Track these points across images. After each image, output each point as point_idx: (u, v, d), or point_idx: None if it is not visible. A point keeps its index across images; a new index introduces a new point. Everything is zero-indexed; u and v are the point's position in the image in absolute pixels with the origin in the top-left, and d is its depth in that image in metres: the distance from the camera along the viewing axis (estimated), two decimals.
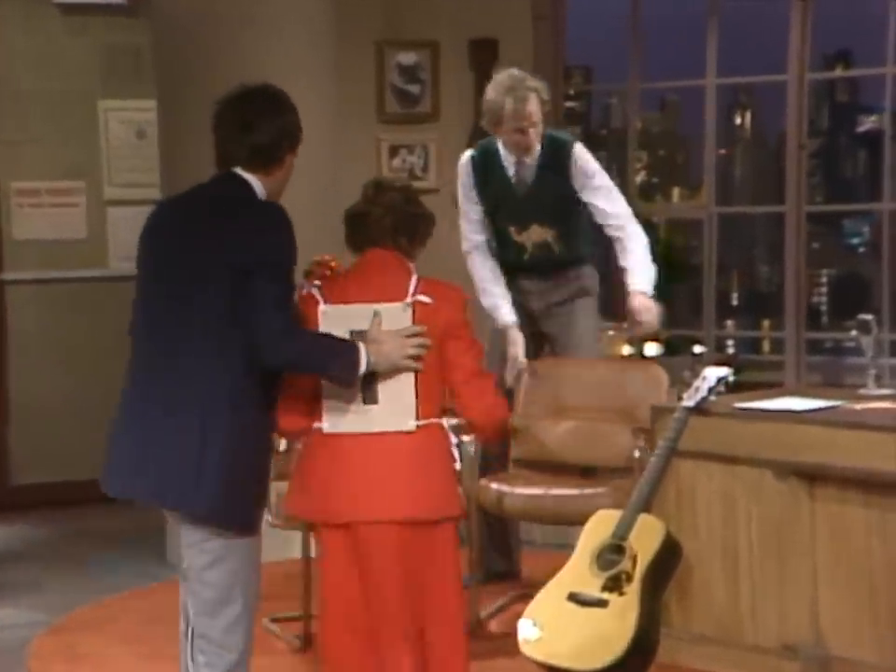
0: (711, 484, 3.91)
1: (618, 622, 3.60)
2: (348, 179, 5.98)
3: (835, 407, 3.95)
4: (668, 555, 3.77)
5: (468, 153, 4.87)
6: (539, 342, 4.91)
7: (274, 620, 4.46)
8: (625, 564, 3.68)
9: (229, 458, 3.09)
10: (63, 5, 6.71)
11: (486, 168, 4.79)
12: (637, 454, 4.24)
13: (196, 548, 3.18)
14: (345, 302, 3.32)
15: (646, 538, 3.74)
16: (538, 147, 4.69)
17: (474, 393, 3.35)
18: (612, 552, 3.73)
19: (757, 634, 3.87)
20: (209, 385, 3.10)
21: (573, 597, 3.71)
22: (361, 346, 3.23)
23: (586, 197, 4.70)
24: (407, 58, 6.39)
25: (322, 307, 3.32)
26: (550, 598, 3.75)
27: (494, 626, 4.51)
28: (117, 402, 3.27)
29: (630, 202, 5.71)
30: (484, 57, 6.34)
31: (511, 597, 4.64)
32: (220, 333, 3.11)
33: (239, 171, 3.20)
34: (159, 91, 5.73)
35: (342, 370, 3.22)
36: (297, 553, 4.46)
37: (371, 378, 3.24)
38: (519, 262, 4.82)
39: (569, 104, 8.28)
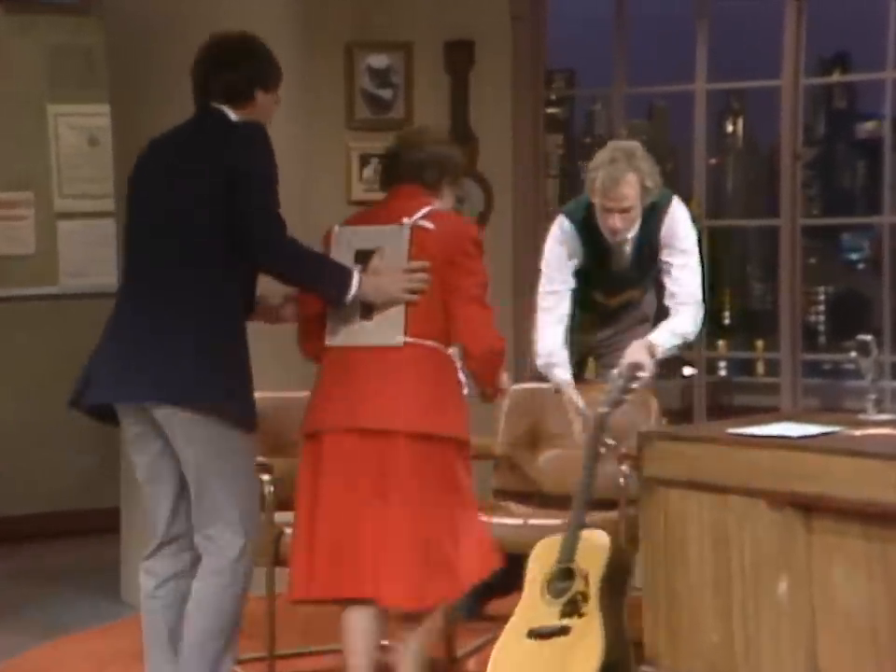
0: (702, 515, 3.92)
1: (584, 642, 3.74)
2: (316, 190, 6.02)
3: (834, 433, 3.96)
4: (619, 564, 3.95)
5: (564, 221, 4.75)
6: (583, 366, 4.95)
7: (239, 662, 4.43)
8: (578, 585, 3.81)
9: (225, 355, 3.59)
10: (7, 2, 6.67)
11: (583, 237, 4.73)
12: (622, 482, 4.25)
13: (199, 445, 3.60)
14: (356, 225, 3.87)
15: (593, 553, 3.89)
16: (630, 232, 4.66)
17: (467, 318, 3.72)
18: (562, 577, 3.86)
19: None
20: (199, 292, 3.59)
21: (533, 634, 3.82)
22: (356, 273, 3.72)
23: (665, 256, 4.69)
24: (378, 61, 6.40)
25: (335, 229, 3.87)
26: (510, 643, 3.88)
27: (472, 666, 4.51)
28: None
29: None
30: (460, 59, 6.37)
31: (489, 638, 4.64)
32: (207, 243, 3.58)
33: (216, 104, 3.71)
34: (112, 95, 5.73)
35: (330, 287, 3.71)
36: (258, 589, 4.45)
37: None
38: (593, 315, 4.89)
39: (551, 110, 8.32)
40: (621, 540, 4.07)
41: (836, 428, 4.01)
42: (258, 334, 3.87)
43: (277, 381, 4.98)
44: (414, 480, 3.70)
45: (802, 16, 6.17)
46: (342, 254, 3.84)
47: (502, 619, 4.20)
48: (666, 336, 4.62)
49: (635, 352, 4.49)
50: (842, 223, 11.89)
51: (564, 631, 3.79)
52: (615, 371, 4.24)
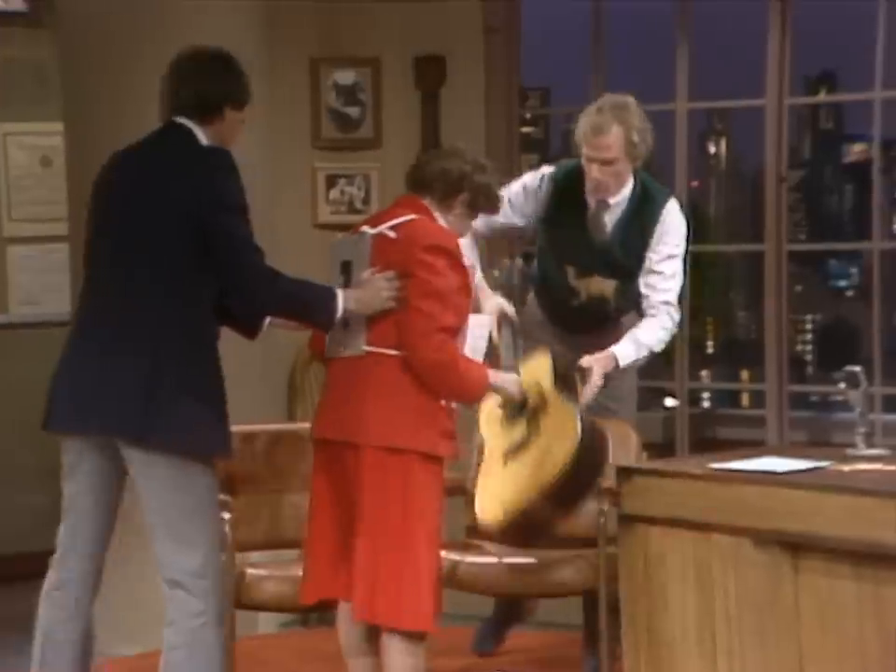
0: (684, 554, 3.93)
1: (557, 431, 4.01)
2: (281, 213, 6.02)
3: (822, 468, 3.98)
4: (562, 366, 4.21)
5: (548, 170, 4.83)
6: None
7: None
8: (534, 397, 4.08)
9: (185, 387, 3.67)
10: None
11: (563, 198, 4.75)
12: (601, 519, 4.26)
13: (156, 481, 3.67)
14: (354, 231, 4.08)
15: (536, 367, 4.16)
16: (621, 193, 4.69)
17: (404, 326, 3.85)
18: (516, 406, 4.10)
19: None
20: (161, 324, 3.67)
21: (508, 455, 4.11)
22: (339, 293, 3.85)
23: (651, 255, 4.70)
24: (345, 77, 6.42)
25: (338, 237, 4.19)
26: (492, 478, 4.18)
27: None
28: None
29: None
30: (431, 75, 6.38)
31: None
32: (173, 275, 3.68)
33: (181, 120, 3.80)
34: (65, 112, 5.72)
35: (320, 315, 3.84)
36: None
37: None
38: (565, 306, 4.85)
39: (525, 129, 8.34)
40: (561, 364, 4.26)
41: (825, 463, 4.03)
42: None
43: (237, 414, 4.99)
44: (369, 494, 3.83)
45: (787, 33, 6.22)
46: (334, 265, 4.07)
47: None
48: (630, 348, 4.65)
49: (591, 360, 4.54)
50: (829, 249, 11.94)
51: (535, 431, 4.06)
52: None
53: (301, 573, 4.02)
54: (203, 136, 3.81)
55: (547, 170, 4.86)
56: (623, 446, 4.57)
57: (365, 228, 4.04)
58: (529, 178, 4.86)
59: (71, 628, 3.86)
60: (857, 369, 4.24)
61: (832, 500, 3.71)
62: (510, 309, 4.33)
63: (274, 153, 5.92)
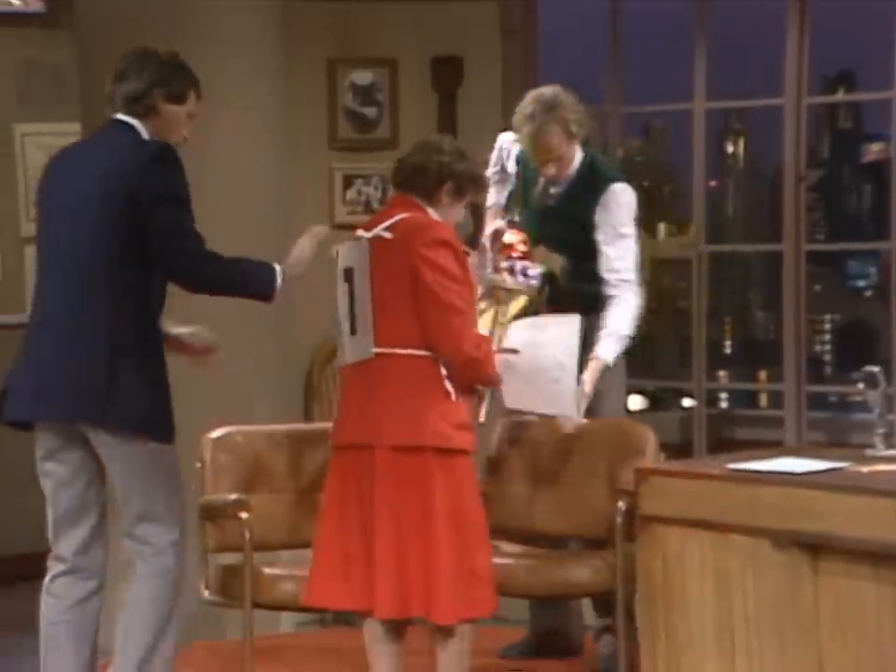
0: (703, 555, 3.91)
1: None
2: (298, 213, 6.01)
3: (840, 469, 3.96)
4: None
5: (508, 137, 4.96)
6: None
7: None
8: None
9: (141, 373, 3.80)
10: None
11: (522, 164, 4.88)
12: (618, 519, 4.25)
13: (119, 462, 3.80)
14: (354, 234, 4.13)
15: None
16: (568, 172, 4.77)
17: (438, 327, 3.91)
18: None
19: None
20: (114, 312, 3.79)
21: None
22: (276, 265, 3.91)
23: (600, 236, 4.74)
24: (362, 77, 6.42)
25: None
26: None
27: None
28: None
29: None
30: (448, 76, 6.38)
31: None
32: (121, 265, 3.78)
33: (122, 116, 3.91)
34: (83, 113, 5.72)
35: (263, 288, 3.91)
36: (234, 632, 4.44)
37: (352, 305, 4.02)
38: None
39: None
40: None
41: (843, 464, 4.02)
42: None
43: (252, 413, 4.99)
44: (392, 493, 3.87)
45: (805, 33, 6.21)
46: (338, 273, 4.10)
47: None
48: (611, 344, 4.67)
49: (589, 381, 4.55)
50: (848, 248, 11.91)
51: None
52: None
53: None
54: (144, 131, 3.90)
55: (508, 136, 4.96)
56: (641, 449, 4.55)
57: (360, 232, 4.08)
58: (504, 147, 5.01)
59: (73, 625, 3.90)
60: (875, 369, 4.22)
61: (850, 501, 3.69)
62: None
63: (291, 153, 5.91)
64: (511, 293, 4.45)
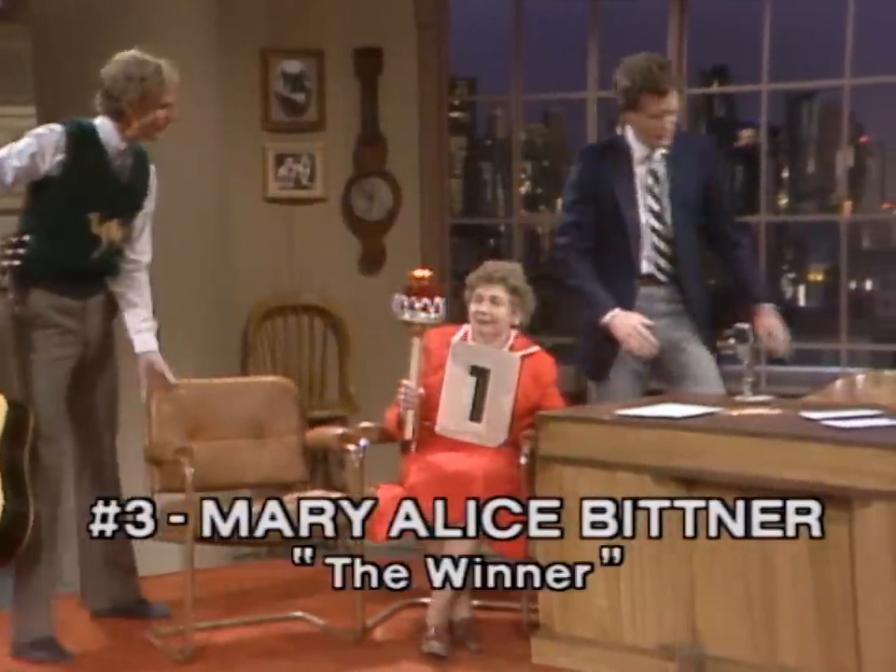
0: (594, 490, 3.97)
1: None
2: (234, 187, 5.99)
3: (713, 413, 4.04)
4: (16, 421, 3.91)
5: (56, 127, 4.27)
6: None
7: (158, 636, 4.42)
8: None
9: None
10: None
11: (84, 147, 4.27)
12: (523, 460, 4.28)
13: None
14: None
15: None
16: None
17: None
18: None
19: (636, 635, 3.93)
20: None
21: None
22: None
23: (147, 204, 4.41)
24: (292, 66, 6.38)
25: (453, 345, 4.47)
26: None
27: (379, 634, 4.52)
28: None
29: (515, 211, 5.70)
30: (370, 66, 6.37)
31: (397, 608, 4.67)
32: None
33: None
34: (38, 99, 5.65)
35: None
36: (176, 565, 4.43)
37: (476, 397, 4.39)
38: (85, 260, 4.33)
39: (454, 114, 8.34)
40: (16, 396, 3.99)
41: (716, 409, 4.09)
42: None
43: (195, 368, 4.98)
44: None
45: (684, 30, 6.26)
46: (458, 368, 4.40)
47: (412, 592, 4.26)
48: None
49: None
50: None
51: None
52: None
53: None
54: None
55: (56, 126, 4.28)
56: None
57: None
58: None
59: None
60: (745, 326, 4.32)
61: (721, 441, 3.76)
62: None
63: (228, 134, 5.89)
64: (426, 327, 4.39)
